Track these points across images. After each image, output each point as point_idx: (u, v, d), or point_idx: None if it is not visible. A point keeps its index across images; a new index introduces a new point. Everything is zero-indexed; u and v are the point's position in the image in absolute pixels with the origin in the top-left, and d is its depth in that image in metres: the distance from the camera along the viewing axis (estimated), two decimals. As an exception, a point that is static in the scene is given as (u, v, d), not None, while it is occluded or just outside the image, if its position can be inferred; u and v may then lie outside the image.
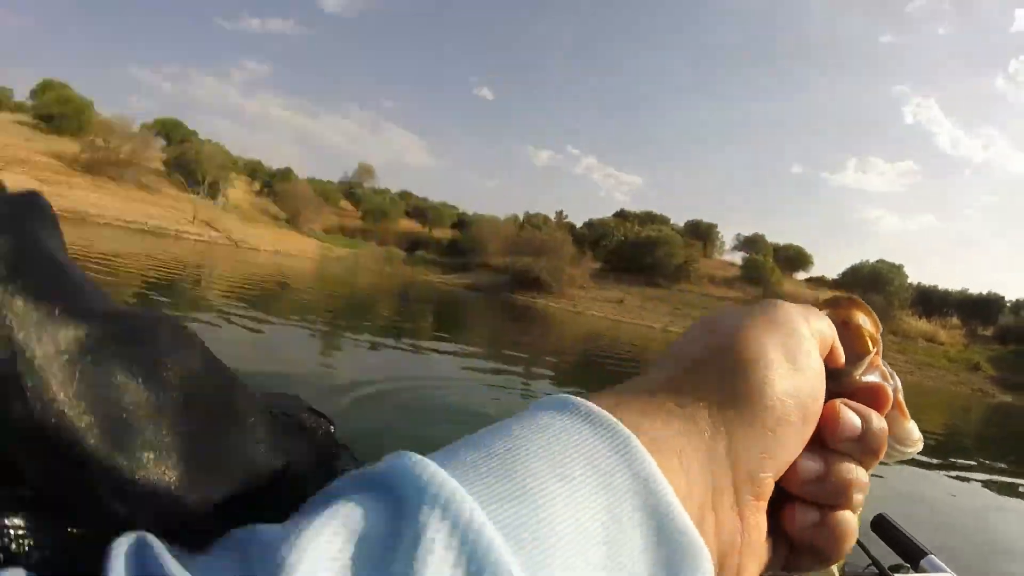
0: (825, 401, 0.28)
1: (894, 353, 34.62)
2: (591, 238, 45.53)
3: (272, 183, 48.50)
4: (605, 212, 56.38)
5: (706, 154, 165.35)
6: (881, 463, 0.30)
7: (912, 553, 1.30)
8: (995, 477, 8.02)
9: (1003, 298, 40.76)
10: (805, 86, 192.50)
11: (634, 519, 0.20)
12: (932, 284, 43.22)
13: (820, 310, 0.33)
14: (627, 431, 0.22)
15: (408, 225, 51.61)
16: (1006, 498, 7.03)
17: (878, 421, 0.29)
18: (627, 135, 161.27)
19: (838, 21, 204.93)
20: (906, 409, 0.36)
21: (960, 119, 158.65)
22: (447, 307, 21.06)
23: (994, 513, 6.18)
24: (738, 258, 47.97)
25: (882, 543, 1.35)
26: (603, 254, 44.21)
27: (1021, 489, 7.68)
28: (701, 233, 49.61)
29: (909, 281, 42.87)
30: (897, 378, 0.36)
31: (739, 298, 39.86)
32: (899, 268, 42.93)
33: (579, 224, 50.90)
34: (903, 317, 38.78)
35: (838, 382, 0.31)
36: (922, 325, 38.76)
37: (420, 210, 53.83)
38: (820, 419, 0.28)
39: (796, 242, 50.75)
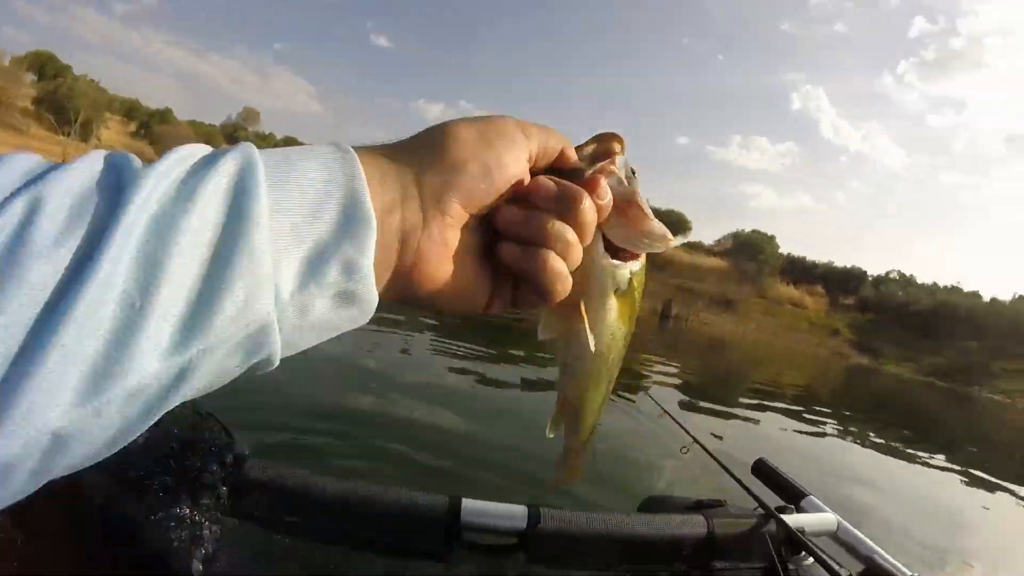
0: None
1: (762, 315, 36.29)
2: None
3: (150, 124, 44.31)
4: None
5: (600, 117, 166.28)
6: (651, 259, 0.46)
7: (793, 494, 1.35)
8: (850, 427, 9.04)
9: (865, 272, 44.03)
10: (701, 62, 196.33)
11: (338, 192, 0.32)
12: (801, 255, 45.24)
13: (592, 141, 0.46)
14: (354, 153, 0.34)
15: None
16: (858, 446, 7.90)
17: (580, 195, 0.39)
18: (524, 93, 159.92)
19: (743, 3, 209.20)
20: (648, 211, 0.44)
21: (845, 110, 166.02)
22: None
23: (847, 454, 7.08)
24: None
25: (765, 488, 1.37)
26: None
27: (870, 434, 8.83)
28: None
29: (780, 251, 44.90)
30: (636, 183, 0.45)
31: None
32: (771, 239, 44.95)
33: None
34: (772, 283, 40.63)
35: (574, 175, 0.42)
36: (790, 291, 40.82)
37: None
38: (529, 185, 0.40)
39: (678, 208, 51.30)
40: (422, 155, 0.38)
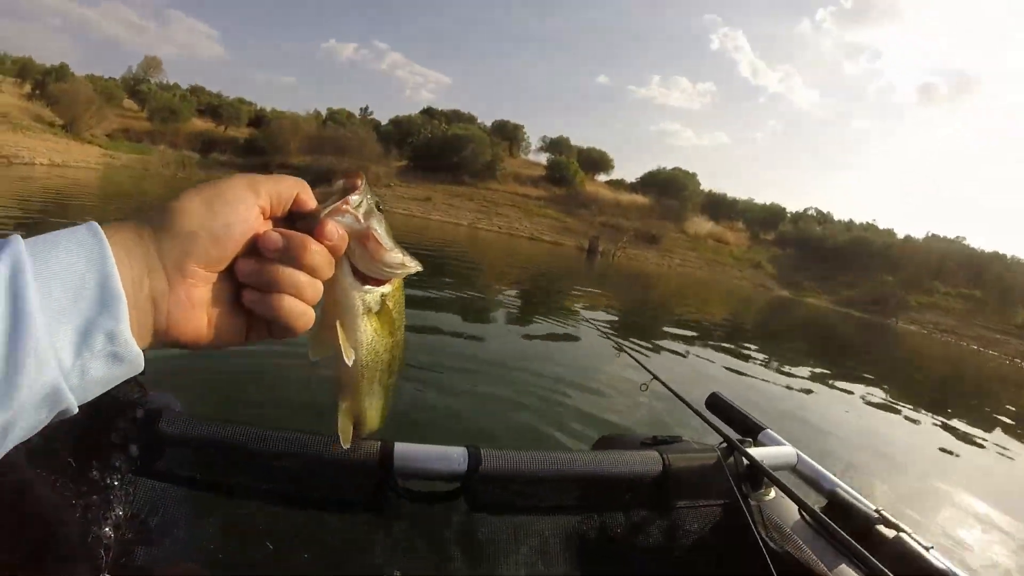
0: (302, 230, 0.49)
1: (686, 250, 37.04)
2: (397, 136, 43.79)
3: (46, 83, 39.74)
4: (412, 110, 54.34)
5: (516, 56, 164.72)
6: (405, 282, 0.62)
7: (749, 428, 1.35)
8: (771, 359, 9.32)
9: (784, 209, 45.46)
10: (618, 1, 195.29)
11: (93, 277, 0.39)
12: (722, 193, 46.37)
13: (337, 179, 0.54)
14: (103, 237, 0.40)
15: (201, 125, 45.04)
16: (775, 373, 8.24)
17: (305, 243, 0.48)
18: (437, 32, 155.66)
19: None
20: (385, 242, 0.53)
21: (763, 53, 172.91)
22: None
23: (775, 386, 7.22)
24: (543, 159, 48.06)
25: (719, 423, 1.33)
26: (409, 152, 42.68)
27: (795, 364, 9.26)
28: (508, 133, 48.73)
29: (701, 188, 45.82)
30: (376, 222, 0.54)
31: (544, 196, 40.51)
32: (693, 176, 45.60)
33: (384, 122, 48.37)
34: (695, 219, 41.39)
35: (311, 219, 0.50)
36: (712, 227, 41.53)
37: (213, 108, 47.02)
38: (258, 240, 0.47)
39: (599, 146, 51.28)
40: (160, 230, 0.44)
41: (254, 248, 0.47)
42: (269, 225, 0.48)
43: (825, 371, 9.38)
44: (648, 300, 15.94)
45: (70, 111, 36.36)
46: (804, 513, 1.10)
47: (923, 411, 7.86)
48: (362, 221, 0.52)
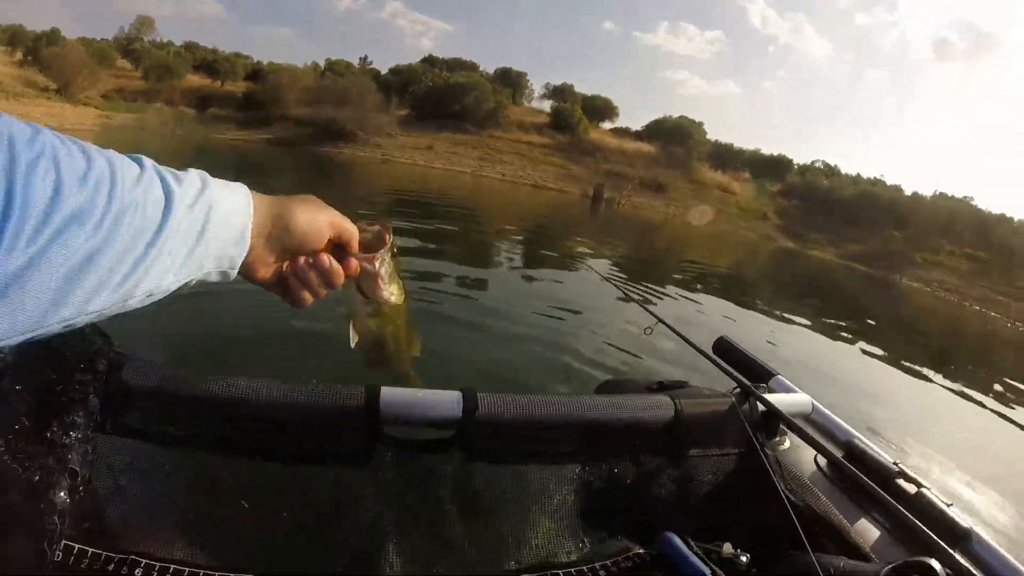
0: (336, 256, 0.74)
1: (691, 199, 36.47)
2: (398, 85, 42.90)
3: (38, 49, 38.62)
4: (412, 59, 52.58)
5: (520, 1, 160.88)
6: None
7: (759, 375, 1.28)
8: (775, 310, 9.24)
9: (792, 161, 44.94)
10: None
11: (243, 224, 0.64)
12: (728, 142, 45.78)
13: (373, 224, 0.80)
14: (252, 200, 0.65)
15: (197, 81, 43.82)
16: (785, 325, 8.18)
17: (336, 274, 0.74)
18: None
19: None
20: (384, 284, 0.79)
21: (773, 0, 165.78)
22: (246, 166, 18.76)
23: (771, 335, 7.00)
24: (547, 106, 47.32)
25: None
26: (411, 101, 42.07)
27: (799, 315, 9.10)
28: (511, 81, 47.81)
29: (708, 137, 45.20)
30: (384, 269, 0.79)
31: (548, 144, 39.96)
32: (699, 125, 44.90)
33: (384, 71, 47.38)
34: (700, 168, 41.03)
35: (347, 254, 0.75)
36: (718, 177, 41.18)
37: (209, 63, 45.65)
38: (317, 258, 0.72)
39: (604, 94, 50.14)
40: (279, 218, 0.68)
41: (310, 258, 0.72)
42: (327, 247, 0.74)
43: (828, 323, 9.30)
44: (653, 248, 15.82)
45: (63, 75, 35.68)
46: (821, 464, 1.09)
47: (924, 367, 7.77)
48: (376, 267, 0.77)
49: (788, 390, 1.22)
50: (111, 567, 0.66)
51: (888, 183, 43.50)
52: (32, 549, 0.60)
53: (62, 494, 0.64)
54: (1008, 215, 38.03)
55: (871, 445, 1.09)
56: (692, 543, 0.83)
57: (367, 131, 34.81)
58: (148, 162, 0.55)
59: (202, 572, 0.68)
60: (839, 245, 33.48)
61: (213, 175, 0.61)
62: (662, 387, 1.11)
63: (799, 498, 0.94)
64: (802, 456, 1.10)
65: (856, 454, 1.06)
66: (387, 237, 0.79)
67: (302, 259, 0.72)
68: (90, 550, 0.67)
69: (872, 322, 11.41)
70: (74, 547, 0.66)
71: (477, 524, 0.86)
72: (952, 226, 35.80)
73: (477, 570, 0.82)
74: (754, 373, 1.29)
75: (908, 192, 41.92)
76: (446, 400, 0.85)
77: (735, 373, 1.17)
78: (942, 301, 25.27)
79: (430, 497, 0.86)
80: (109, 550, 0.67)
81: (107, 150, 0.50)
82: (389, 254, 0.80)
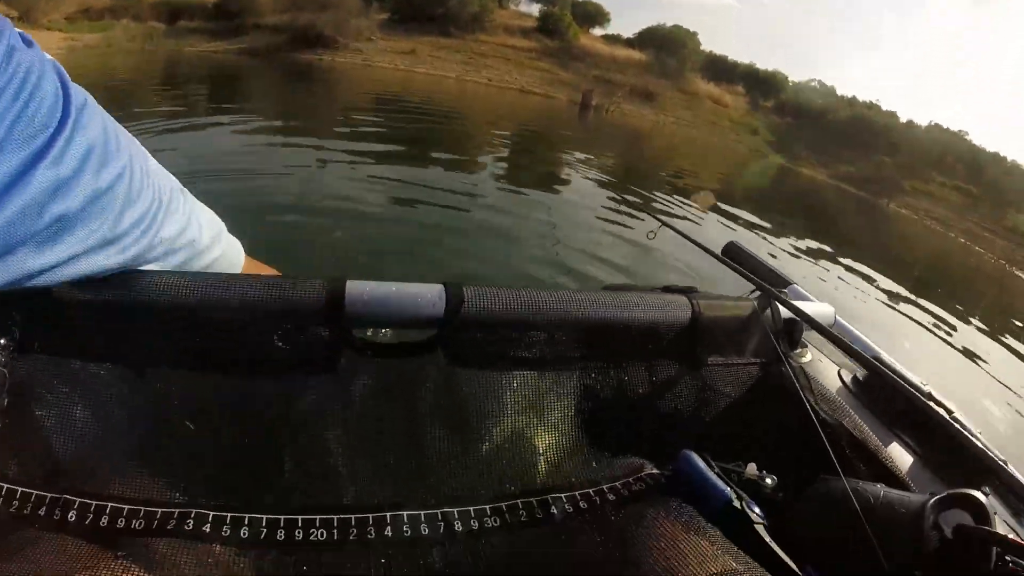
0: None
1: (681, 109, 36.48)
2: None
3: None
4: None
5: None
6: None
7: (773, 282, 1.20)
8: (762, 224, 9.11)
9: (787, 77, 44.65)
10: None
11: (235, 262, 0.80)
12: (723, 55, 45.31)
13: None
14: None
15: None
16: (762, 240, 8.04)
17: None
18: None
19: None
20: None
21: None
22: (222, 79, 17.83)
23: (759, 249, 6.30)
24: (535, 10, 45.49)
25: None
26: (391, 4, 39.70)
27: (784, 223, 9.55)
28: (497, -18, 46.12)
29: (702, 48, 44.67)
30: None
31: (535, 49, 38.82)
32: (693, 35, 44.21)
33: (364, -28, 44.85)
34: (693, 79, 40.59)
35: None
36: (710, 89, 40.78)
37: None
38: None
39: None
40: None
41: None
42: None
43: (812, 241, 9.29)
44: (643, 157, 15.72)
45: (23, 1, 32.63)
46: (845, 380, 1.06)
47: (906, 292, 7.90)
48: None
49: (805, 299, 1.14)
50: (42, 510, 0.56)
51: (883, 109, 43.43)
52: None
53: None
54: (1002, 155, 38.39)
55: (898, 364, 1.04)
56: (712, 462, 0.71)
57: (346, 36, 33.12)
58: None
59: (142, 510, 0.57)
60: (830, 166, 33.58)
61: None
62: (668, 291, 0.94)
63: (828, 415, 0.84)
64: (824, 371, 1.07)
65: (882, 372, 0.92)
66: None
67: None
68: (19, 490, 0.57)
69: (857, 244, 11.55)
70: (2, 488, 0.56)
71: (465, 443, 0.73)
72: (944, 158, 36.04)
73: (466, 496, 0.68)
74: (768, 281, 1.15)
75: (903, 120, 41.96)
76: (426, 294, 0.72)
77: (754, 277, 1.06)
78: (929, 230, 26.13)
79: (407, 412, 0.73)
80: (39, 489, 0.57)
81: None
82: None
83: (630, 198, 7.19)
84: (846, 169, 32.75)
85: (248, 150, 6.88)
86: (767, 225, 9.20)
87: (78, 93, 0.48)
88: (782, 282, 1.24)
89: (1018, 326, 8.80)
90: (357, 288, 0.70)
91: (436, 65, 33.02)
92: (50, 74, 0.46)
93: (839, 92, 45.00)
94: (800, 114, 39.43)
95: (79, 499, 0.57)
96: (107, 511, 0.56)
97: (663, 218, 1.50)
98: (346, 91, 18.22)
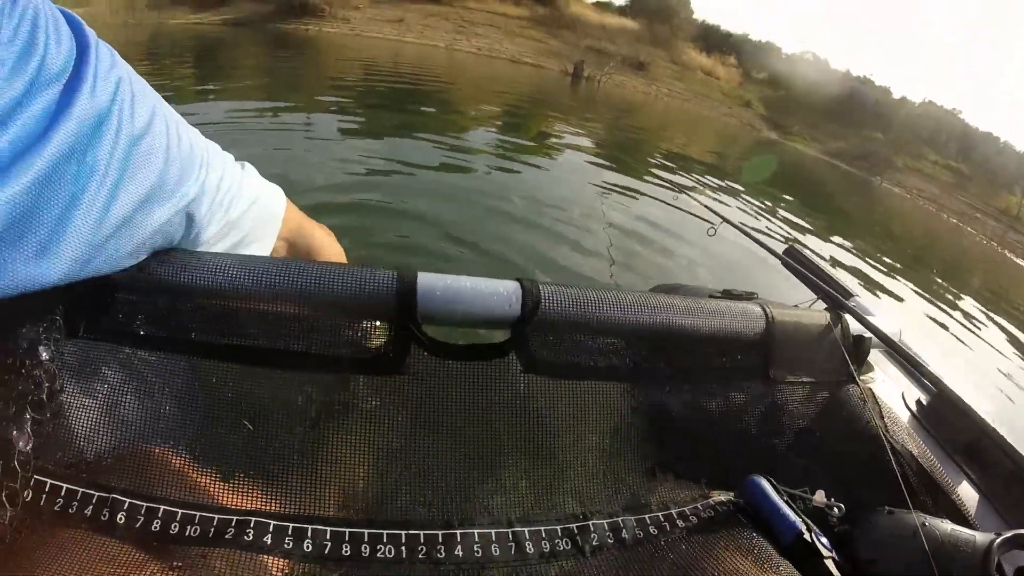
0: None
1: (673, 80, 36.34)
2: None
3: None
4: None
5: None
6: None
7: (840, 292, 1.14)
8: (753, 200, 8.86)
9: (780, 49, 45.12)
10: None
11: (267, 223, 0.74)
12: (716, 24, 45.30)
13: None
14: (283, 210, 0.76)
15: None
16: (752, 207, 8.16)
17: None
18: None
19: None
20: None
21: None
22: (207, 51, 17.44)
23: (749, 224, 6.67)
24: (526, -25, 45.67)
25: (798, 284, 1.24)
26: (379, -29, 39.21)
27: (775, 200, 9.39)
28: (486, -53, 45.10)
29: (695, 17, 44.61)
30: None
31: (525, 16, 38.39)
32: (687, 3, 44.37)
33: (350, -61, 44.20)
34: (685, 49, 40.50)
35: None
36: (702, 59, 40.73)
37: None
38: None
39: None
40: (300, 229, 0.77)
41: None
42: None
43: (804, 218, 9.13)
44: (634, 129, 15.64)
45: None
46: (909, 404, 1.00)
47: (894, 270, 7.80)
48: None
49: (869, 313, 1.02)
50: (88, 509, 0.53)
51: (877, 84, 43.50)
52: None
53: (26, 421, 0.51)
54: (995, 135, 38.63)
55: (958, 393, 0.96)
56: (781, 489, 0.69)
57: (333, 4, 32.83)
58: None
59: (197, 516, 0.54)
60: (821, 140, 33.65)
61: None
62: (730, 297, 0.93)
63: (897, 443, 0.81)
64: (888, 393, 0.98)
65: (947, 397, 0.95)
66: None
67: None
68: (64, 486, 0.53)
69: (848, 220, 11.58)
70: (46, 483, 0.53)
71: (536, 456, 0.69)
72: (937, 136, 36.41)
73: (537, 514, 0.64)
74: (833, 291, 1.12)
75: (896, 96, 42.06)
76: (500, 292, 0.67)
77: (825, 287, 1.06)
78: (919, 208, 26.43)
79: (478, 420, 0.68)
80: (88, 487, 0.54)
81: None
82: None
83: (614, 178, 7.09)
84: (837, 144, 32.79)
85: (234, 124, 6.70)
86: (756, 201, 9.03)
87: (89, 30, 0.46)
88: (846, 293, 1.17)
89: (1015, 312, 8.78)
90: (429, 281, 0.65)
91: (425, 34, 32.48)
92: (55, 10, 0.43)
93: (833, 66, 45.08)
94: (793, 86, 39.24)
95: (129, 500, 0.53)
96: (159, 514, 0.53)
97: (723, 215, 1.48)
98: (333, 63, 17.86)
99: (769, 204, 9.09)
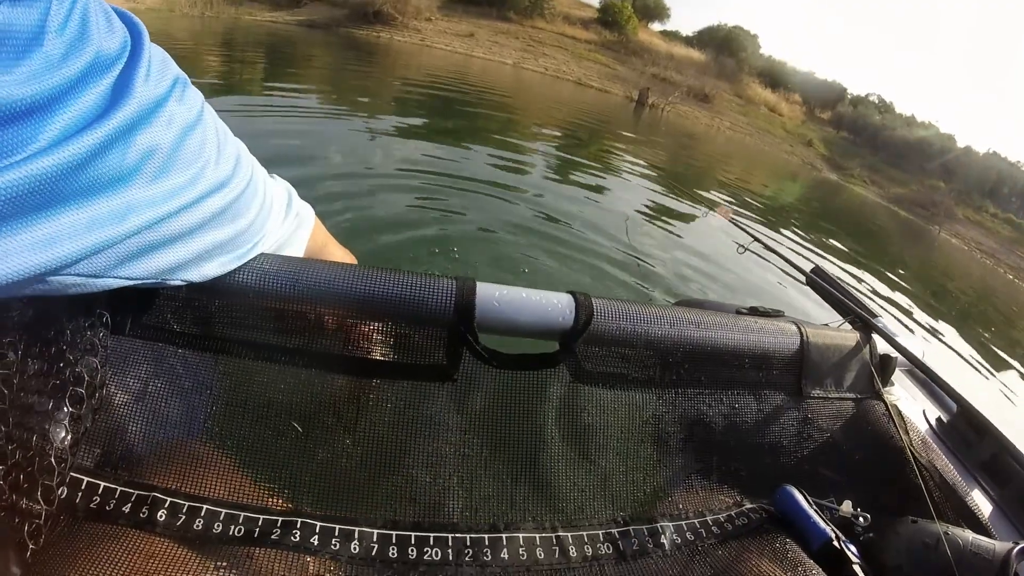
0: None
1: (736, 113, 35.77)
2: None
3: None
4: None
5: None
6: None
7: (866, 312, 1.14)
8: (808, 240, 8.72)
9: (846, 89, 43.89)
10: None
11: (296, 240, 0.73)
12: (782, 60, 45.01)
13: None
14: (311, 228, 0.76)
15: None
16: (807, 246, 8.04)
17: None
18: None
19: None
20: None
21: None
22: (279, 49, 17.85)
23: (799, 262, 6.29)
24: (595, 0, 45.10)
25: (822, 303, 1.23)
26: (451, -17, 39.80)
27: (831, 241, 9.29)
28: (558, -32, 45.26)
29: (761, 52, 44.42)
30: None
31: (593, 40, 38.52)
32: (754, 37, 43.84)
33: (425, -48, 44.67)
34: (750, 83, 40.21)
35: None
36: (767, 95, 40.35)
37: None
38: None
39: None
40: (324, 247, 0.79)
41: None
42: None
43: (860, 262, 8.98)
44: (694, 158, 15.66)
45: None
46: (930, 420, 1.03)
47: (947, 323, 7.60)
48: None
49: (894, 333, 1.04)
50: (127, 507, 0.52)
51: (942, 130, 42.58)
52: (27, 491, 0.46)
53: (64, 416, 0.49)
54: None
55: (979, 408, 0.96)
56: (810, 499, 0.72)
57: (405, 15, 33.01)
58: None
59: (241, 515, 0.54)
60: (882, 185, 32.77)
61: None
62: (758, 313, 0.95)
63: (921, 457, 0.85)
64: (910, 409, 1.00)
65: (968, 414, 0.97)
66: None
67: None
68: (101, 484, 0.53)
69: (905, 266, 11.28)
70: (82, 481, 0.52)
71: (580, 462, 0.71)
72: (999, 188, 35.17)
73: (580, 519, 0.66)
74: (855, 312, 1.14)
75: (961, 145, 40.59)
76: (555, 303, 0.69)
77: (852, 306, 1.06)
78: (976, 262, 25.24)
79: (526, 427, 0.69)
80: (127, 485, 0.53)
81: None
82: None
83: (693, 201, 7.18)
84: (898, 190, 31.94)
85: (305, 123, 6.91)
86: (811, 242, 8.90)
87: (142, 26, 0.45)
88: (871, 313, 1.18)
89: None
90: (488, 291, 0.67)
91: (494, 50, 32.78)
92: (105, 5, 0.43)
93: (898, 110, 44.08)
94: (856, 129, 38.54)
95: (170, 498, 0.53)
96: (202, 513, 0.53)
97: (753, 232, 1.51)
98: (402, 69, 18.18)
99: (826, 245, 9.05)
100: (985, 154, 39.94)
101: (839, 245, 9.85)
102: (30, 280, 0.37)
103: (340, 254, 0.82)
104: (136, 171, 0.41)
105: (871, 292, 7.16)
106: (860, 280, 7.61)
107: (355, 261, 0.78)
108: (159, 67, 0.44)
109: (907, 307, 7.37)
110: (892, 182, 33.01)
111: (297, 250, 0.70)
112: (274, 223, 0.63)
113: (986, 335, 8.44)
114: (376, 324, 0.64)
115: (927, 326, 6.88)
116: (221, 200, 0.50)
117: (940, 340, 6.60)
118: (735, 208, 8.86)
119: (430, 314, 0.64)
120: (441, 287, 0.64)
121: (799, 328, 0.84)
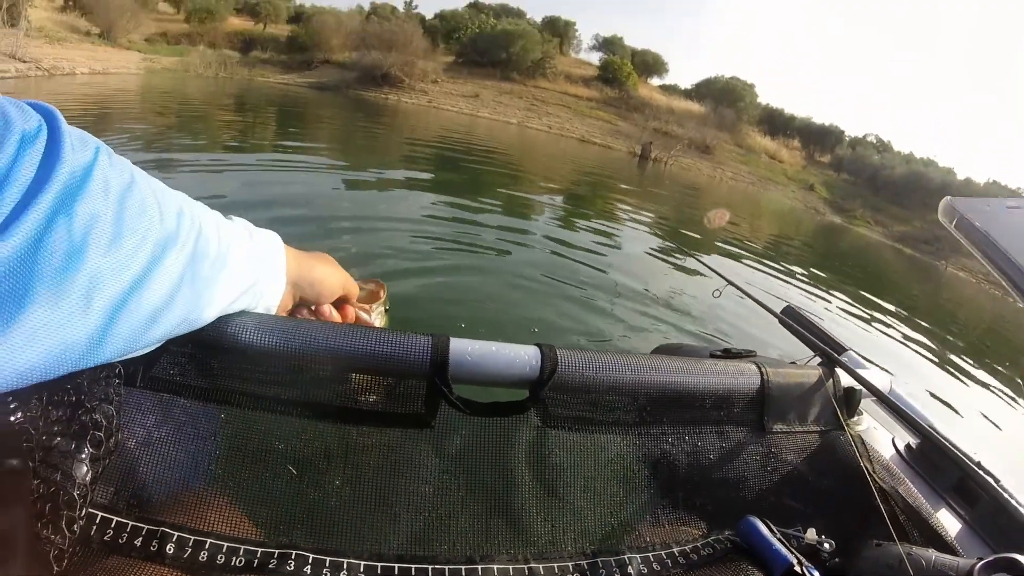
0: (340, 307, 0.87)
1: (737, 163, 36.28)
2: (444, 30, 42.33)
3: None
4: (458, 3, 50.96)
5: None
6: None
7: (833, 348, 1.20)
8: (817, 281, 9.33)
9: (843, 132, 43.90)
10: None
11: (280, 266, 0.73)
12: (779, 107, 44.92)
13: (369, 283, 0.99)
14: (284, 253, 0.74)
15: (239, 24, 42.68)
16: (817, 290, 8.46)
17: (331, 315, 0.85)
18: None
19: None
20: (367, 319, 0.93)
21: None
22: (290, 109, 18.74)
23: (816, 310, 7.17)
24: (595, 58, 46.46)
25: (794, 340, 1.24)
26: (456, 47, 41.53)
27: (827, 283, 9.43)
28: (558, 30, 46.91)
29: (759, 100, 44.52)
30: (377, 319, 0.95)
31: (595, 97, 39.43)
32: (751, 87, 44.12)
33: (430, 16, 46.40)
34: (750, 132, 40.70)
35: (346, 306, 0.89)
36: (766, 143, 40.72)
37: (251, 5, 44.44)
38: (319, 310, 0.83)
39: (654, 49, 50.33)
40: (301, 269, 0.76)
41: (312, 307, 0.83)
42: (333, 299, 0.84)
43: (869, 304, 9.11)
44: (698, 209, 15.77)
45: (105, 18, 34.31)
46: (899, 448, 1.08)
47: (961, 356, 7.64)
48: (370, 318, 0.93)
49: (861, 367, 1.14)
50: (139, 541, 0.57)
51: (940, 165, 41.75)
52: (50, 520, 0.50)
53: (85, 456, 0.54)
54: None
55: (947, 436, 1.01)
56: (773, 527, 0.75)
57: (412, 77, 34.39)
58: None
59: (242, 548, 0.59)
60: (885, 224, 32.89)
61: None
62: (729, 355, 1.03)
63: (885, 483, 0.88)
64: (879, 438, 1.07)
65: (935, 441, 0.97)
66: (381, 293, 0.98)
67: (305, 310, 0.82)
68: (115, 519, 0.58)
69: (910, 301, 11.51)
70: (97, 516, 0.57)
71: (550, 499, 0.76)
72: None
73: (550, 551, 0.71)
74: (826, 347, 1.18)
75: (960, 177, 40.45)
76: (522, 356, 0.75)
77: (818, 343, 1.11)
78: (985, 293, 24.83)
79: (499, 468, 0.75)
80: (138, 520, 0.59)
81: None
82: (382, 307, 0.98)
83: (689, 254, 7.33)
84: (901, 228, 32.06)
85: (307, 173, 7.29)
86: (820, 285, 9.16)
87: (51, 107, 0.46)
88: (839, 348, 1.23)
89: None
90: (461, 346, 0.72)
91: (499, 110, 33.83)
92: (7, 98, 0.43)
93: (895, 148, 43.97)
94: (856, 170, 38.68)
95: (178, 532, 0.58)
96: (206, 546, 0.58)
97: (728, 277, 1.59)
98: (410, 130, 18.64)
99: (835, 288, 9.26)
100: (985, 184, 40.19)
101: (849, 289, 9.97)
102: (35, 375, 0.41)
103: (319, 264, 0.81)
104: (86, 242, 0.41)
105: (883, 331, 7.33)
106: (871, 324, 7.73)
107: (331, 261, 0.84)
108: (80, 138, 0.45)
109: (917, 341, 7.48)
110: (895, 220, 33.16)
111: (278, 273, 0.73)
112: (236, 258, 0.63)
113: (1006, 363, 8.45)
114: (362, 377, 0.71)
115: (943, 362, 6.93)
116: (179, 254, 0.51)
117: (952, 374, 6.66)
118: (739, 257, 9.11)
119: (409, 368, 0.69)
120: (418, 344, 0.70)
121: (759, 368, 0.88)
